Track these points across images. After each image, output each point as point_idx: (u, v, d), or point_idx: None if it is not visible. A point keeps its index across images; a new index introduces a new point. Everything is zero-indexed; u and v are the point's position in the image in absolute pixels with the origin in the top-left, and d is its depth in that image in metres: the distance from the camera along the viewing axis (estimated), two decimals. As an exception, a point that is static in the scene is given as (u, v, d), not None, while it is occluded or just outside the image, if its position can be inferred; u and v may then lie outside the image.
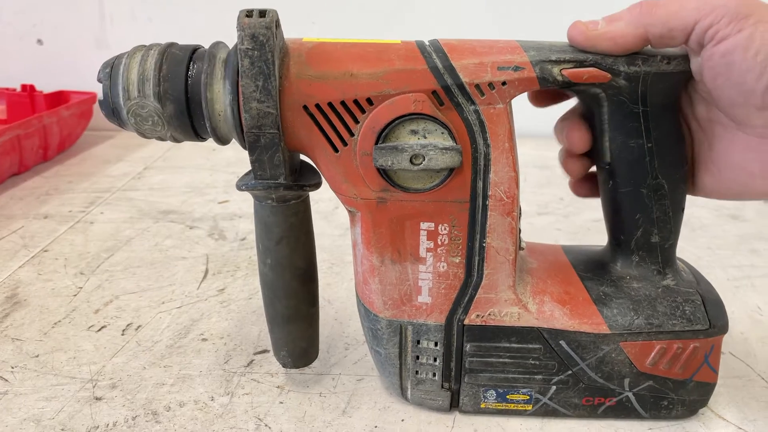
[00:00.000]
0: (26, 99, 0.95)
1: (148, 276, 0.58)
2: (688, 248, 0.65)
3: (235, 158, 0.93)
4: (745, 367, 0.46)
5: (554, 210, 0.76)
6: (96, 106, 0.99)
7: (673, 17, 0.31)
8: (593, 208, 0.75)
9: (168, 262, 0.61)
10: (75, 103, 0.93)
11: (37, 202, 0.75)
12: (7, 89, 0.97)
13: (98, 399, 0.41)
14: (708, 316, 0.37)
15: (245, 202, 0.76)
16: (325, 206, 0.74)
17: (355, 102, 0.32)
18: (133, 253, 0.62)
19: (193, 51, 0.33)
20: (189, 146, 1.00)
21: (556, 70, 0.32)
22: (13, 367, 0.44)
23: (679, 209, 0.37)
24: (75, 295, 0.54)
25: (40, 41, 1.07)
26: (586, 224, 0.72)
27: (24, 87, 0.95)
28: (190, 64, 0.32)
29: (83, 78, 1.05)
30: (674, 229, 0.37)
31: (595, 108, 0.35)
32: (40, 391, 0.42)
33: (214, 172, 0.88)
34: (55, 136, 0.89)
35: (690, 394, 0.38)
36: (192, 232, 0.68)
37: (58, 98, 0.97)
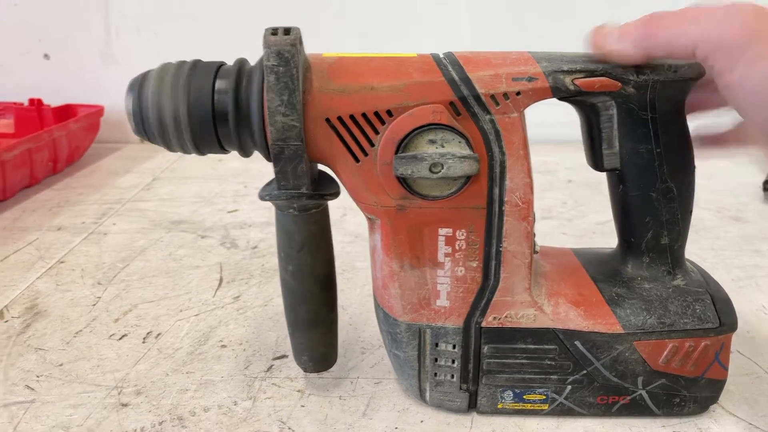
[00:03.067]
0: (34, 113, 0.96)
1: (164, 285, 0.59)
2: (692, 250, 0.65)
3: (242, 168, 0.95)
4: (753, 364, 0.47)
5: (558, 214, 0.77)
6: (103, 120, 1.01)
7: (674, 42, 0.31)
8: (597, 212, 0.77)
9: (182, 271, 0.62)
10: (83, 116, 0.95)
11: (49, 215, 0.76)
12: (14, 103, 0.98)
13: (124, 405, 0.42)
14: (718, 314, 0.38)
15: (255, 212, 0.77)
16: (334, 214, 0.74)
17: (376, 114, 0.33)
18: (148, 263, 0.63)
19: (218, 67, 0.34)
20: (195, 157, 1.01)
21: (568, 79, 0.34)
22: (38, 376, 0.45)
23: (688, 211, 0.38)
24: (94, 305, 0.55)
25: (46, 56, 1.08)
26: (591, 227, 0.73)
27: (31, 101, 0.97)
28: (215, 80, 0.34)
29: (89, 92, 1.07)
30: (683, 231, 0.38)
31: (594, 117, 0.36)
32: (67, 399, 0.43)
33: (222, 182, 0.89)
34: (64, 149, 0.90)
35: (701, 391, 0.39)
36: (204, 241, 0.69)
37: (66, 112, 0.99)
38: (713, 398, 0.40)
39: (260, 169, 0.92)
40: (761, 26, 0.29)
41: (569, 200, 0.82)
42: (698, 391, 0.39)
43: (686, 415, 0.41)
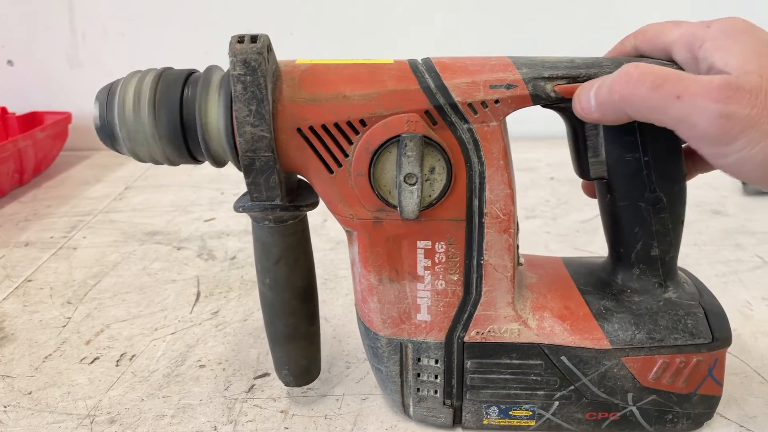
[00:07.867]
0: (-1, 122, 0.92)
1: (138, 302, 0.56)
2: (676, 246, 0.65)
3: (218, 174, 0.92)
4: (741, 363, 0.46)
5: (541, 213, 0.77)
6: (72, 126, 0.97)
7: (650, 117, 0.29)
8: (580, 209, 0.76)
9: (158, 286, 0.59)
10: (50, 124, 0.91)
11: (16, 229, 0.73)
12: (-22, 113, 0.94)
13: (95, 435, 0.40)
14: (711, 329, 0.36)
15: (232, 219, 0.75)
16: (314, 220, 0.74)
17: (349, 123, 0.32)
18: (120, 279, 0.61)
19: (188, 75, 0.33)
20: (170, 163, 0.98)
21: (548, 86, 0.32)
22: (5, 406, 0.43)
23: (679, 222, 0.36)
24: (64, 326, 0.53)
25: (10, 62, 1.05)
26: (574, 225, 0.72)
27: (-4, 109, 0.93)
28: (184, 88, 0.32)
29: (56, 97, 1.04)
30: (674, 242, 0.37)
31: (579, 125, 0.35)
32: (37, 431, 0.40)
33: (198, 189, 0.86)
34: (30, 160, 0.87)
35: (695, 407, 0.38)
36: (180, 253, 0.67)
37: (32, 119, 0.95)
38: (708, 414, 0.38)
39: (237, 174, 0.89)
40: (741, 109, 0.27)
41: (552, 198, 0.81)
42: (691, 408, 0.37)
43: None
